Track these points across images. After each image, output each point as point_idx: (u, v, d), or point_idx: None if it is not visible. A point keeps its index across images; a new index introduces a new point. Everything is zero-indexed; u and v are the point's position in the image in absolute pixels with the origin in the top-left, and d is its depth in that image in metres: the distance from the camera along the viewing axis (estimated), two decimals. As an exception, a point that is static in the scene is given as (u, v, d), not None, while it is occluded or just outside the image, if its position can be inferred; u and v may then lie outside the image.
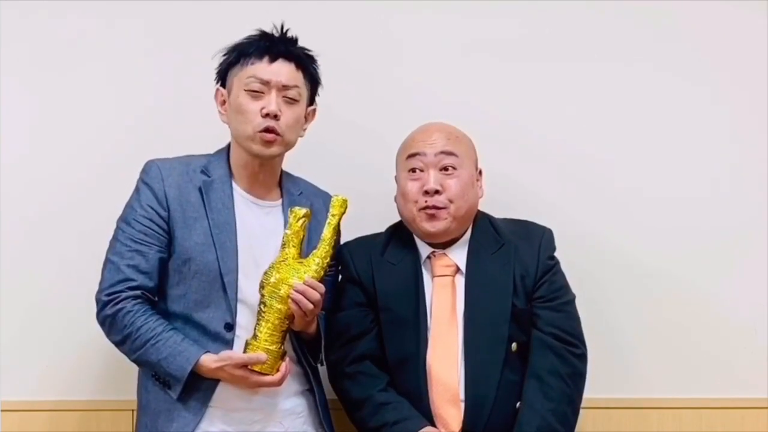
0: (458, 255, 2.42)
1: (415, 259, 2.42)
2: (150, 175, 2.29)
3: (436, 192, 2.36)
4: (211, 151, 2.39)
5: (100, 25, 2.71)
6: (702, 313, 2.74)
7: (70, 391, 2.67)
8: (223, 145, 2.39)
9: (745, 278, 2.74)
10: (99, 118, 2.71)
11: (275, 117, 2.26)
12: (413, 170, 2.40)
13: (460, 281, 2.41)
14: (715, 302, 2.74)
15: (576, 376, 2.38)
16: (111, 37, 2.71)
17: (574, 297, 2.45)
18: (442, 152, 2.39)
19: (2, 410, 2.62)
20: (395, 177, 2.49)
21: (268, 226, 2.32)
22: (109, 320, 2.23)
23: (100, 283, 2.25)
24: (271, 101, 2.26)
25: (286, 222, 2.27)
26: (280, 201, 2.37)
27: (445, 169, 2.39)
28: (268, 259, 2.23)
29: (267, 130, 2.26)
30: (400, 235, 2.47)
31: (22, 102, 2.71)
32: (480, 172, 2.47)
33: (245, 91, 2.27)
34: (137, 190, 2.30)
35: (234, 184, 2.33)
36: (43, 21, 2.71)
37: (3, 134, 2.69)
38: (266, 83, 2.27)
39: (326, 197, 2.36)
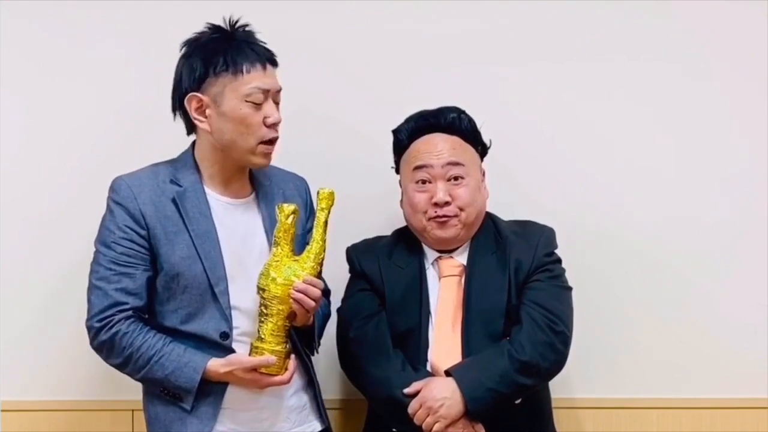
0: (465, 256, 2.44)
1: (421, 262, 2.44)
2: (121, 194, 2.23)
3: (446, 203, 2.37)
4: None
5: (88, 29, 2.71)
6: (702, 313, 2.73)
7: (70, 392, 2.67)
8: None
9: (745, 278, 2.73)
10: (102, 120, 2.71)
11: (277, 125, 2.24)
12: (420, 182, 2.40)
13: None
14: (715, 302, 2.73)
15: (546, 346, 2.31)
16: (106, 42, 2.71)
17: (570, 288, 2.43)
18: (449, 163, 2.39)
19: (2, 410, 2.62)
20: (399, 182, 2.48)
21: (248, 224, 2.29)
22: (106, 345, 2.20)
23: (89, 311, 2.21)
24: (273, 110, 2.22)
25: (262, 215, 2.27)
26: (253, 194, 2.33)
27: (453, 179, 2.39)
28: (253, 257, 2.23)
29: (271, 141, 2.23)
30: (407, 239, 2.48)
31: (12, 106, 2.70)
32: (483, 173, 2.48)
33: (247, 102, 2.21)
34: (110, 210, 2.24)
35: (207, 189, 2.28)
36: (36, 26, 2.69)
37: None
38: (266, 92, 2.22)
39: (295, 179, 2.37)
